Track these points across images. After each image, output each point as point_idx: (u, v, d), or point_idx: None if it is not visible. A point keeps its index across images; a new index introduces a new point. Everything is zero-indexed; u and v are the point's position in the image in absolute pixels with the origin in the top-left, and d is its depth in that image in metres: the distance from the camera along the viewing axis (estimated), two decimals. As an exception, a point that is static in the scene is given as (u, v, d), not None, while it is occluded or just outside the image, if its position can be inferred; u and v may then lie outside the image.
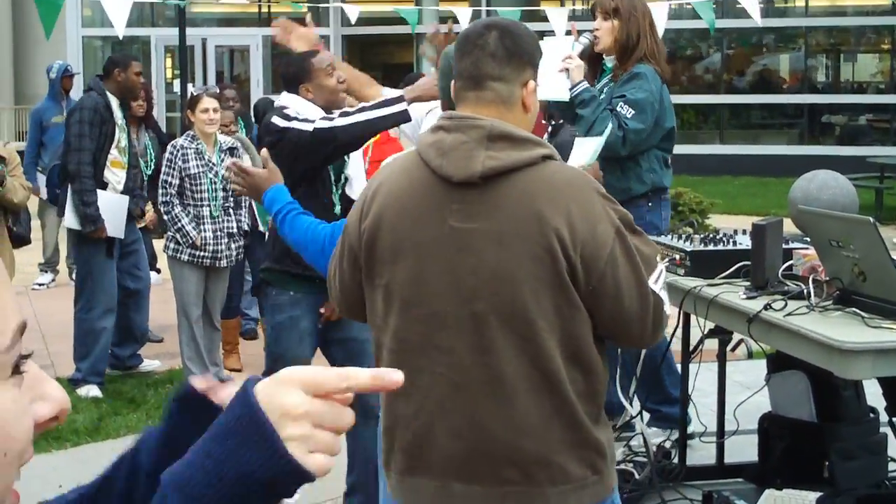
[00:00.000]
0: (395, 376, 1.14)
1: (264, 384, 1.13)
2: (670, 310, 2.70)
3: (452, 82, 2.74)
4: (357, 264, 2.75)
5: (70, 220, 7.19)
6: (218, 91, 7.52)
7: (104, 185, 7.20)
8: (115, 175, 7.28)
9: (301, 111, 4.67)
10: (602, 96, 5.62)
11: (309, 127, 4.53)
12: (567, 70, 5.54)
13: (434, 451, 2.62)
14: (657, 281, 2.59)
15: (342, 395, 1.14)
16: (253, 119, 8.76)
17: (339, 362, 5.03)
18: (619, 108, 5.47)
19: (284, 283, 4.79)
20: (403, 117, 4.46)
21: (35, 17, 25.36)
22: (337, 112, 4.63)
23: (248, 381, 1.14)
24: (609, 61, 5.78)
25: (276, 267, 4.82)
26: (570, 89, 5.53)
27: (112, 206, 7.20)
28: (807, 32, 23.36)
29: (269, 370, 4.94)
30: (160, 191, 6.97)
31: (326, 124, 4.51)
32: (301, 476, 1.11)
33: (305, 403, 1.11)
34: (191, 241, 6.85)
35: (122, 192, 7.33)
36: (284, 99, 4.90)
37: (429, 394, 2.60)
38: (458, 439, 2.59)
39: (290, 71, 4.93)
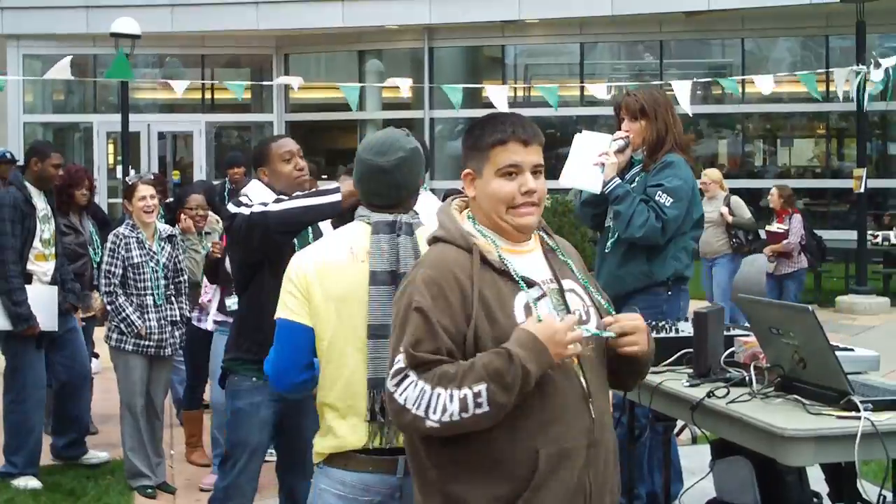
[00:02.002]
0: None
1: None
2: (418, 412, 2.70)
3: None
4: None
5: (0, 322, 6.88)
6: (153, 178, 7.41)
7: (29, 278, 6.93)
8: (40, 267, 7.03)
9: (256, 197, 4.68)
10: (633, 185, 5.73)
11: (248, 212, 4.53)
12: (602, 165, 5.65)
13: None
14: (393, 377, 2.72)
15: None
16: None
17: (282, 452, 4.99)
18: (657, 198, 5.54)
19: (246, 369, 4.75)
20: (335, 209, 4.38)
21: (-24, 102, 24.84)
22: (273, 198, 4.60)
23: None
24: (637, 154, 5.88)
25: (238, 354, 4.80)
26: (604, 185, 5.65)
27: (42, 299, 6.95)
28: (744, 118, 23.79)
29: (228, 456, 4.88)
30: (103, 280, 6.85)
31: (261, 209, 4.48)
32: None
33: None
34: (135, 331, 6.77)
35: (51, 284, 7.08)
36: (249, 185, 4.96)
37: None
38: None
39: (254, 153, 5.04)
